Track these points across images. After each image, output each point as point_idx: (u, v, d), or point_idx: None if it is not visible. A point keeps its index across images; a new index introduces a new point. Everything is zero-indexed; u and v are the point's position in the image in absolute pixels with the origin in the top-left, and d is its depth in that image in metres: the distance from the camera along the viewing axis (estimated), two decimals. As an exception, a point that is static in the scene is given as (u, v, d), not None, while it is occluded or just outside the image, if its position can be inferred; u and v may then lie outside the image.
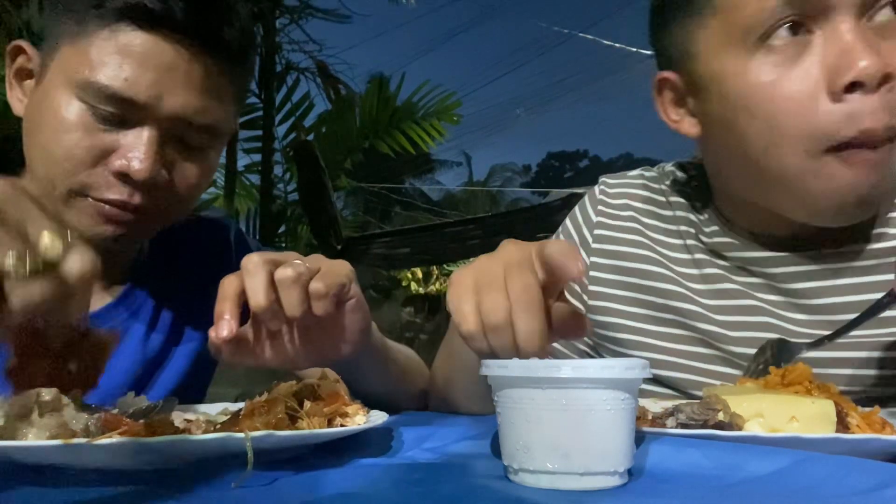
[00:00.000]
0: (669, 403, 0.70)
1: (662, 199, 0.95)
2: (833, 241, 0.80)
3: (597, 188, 1.00)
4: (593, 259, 0.94)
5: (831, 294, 0.80)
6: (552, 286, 0.60)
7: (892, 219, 0.80)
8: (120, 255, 0.91)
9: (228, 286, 0.64)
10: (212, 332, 0.62)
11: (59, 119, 0.77)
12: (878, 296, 0.73)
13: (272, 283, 0.63)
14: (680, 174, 0.96)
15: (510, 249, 0.61)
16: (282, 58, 6.88)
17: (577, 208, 1.01)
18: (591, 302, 0.93)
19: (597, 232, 0.95)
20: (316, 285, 0.65)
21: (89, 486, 0.48)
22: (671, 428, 0.62)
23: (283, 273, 0.63)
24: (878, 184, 0.71)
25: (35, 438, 0.49)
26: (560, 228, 1.01)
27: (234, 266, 0.75)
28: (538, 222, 6.64)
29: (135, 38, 0.76)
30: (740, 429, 0.59)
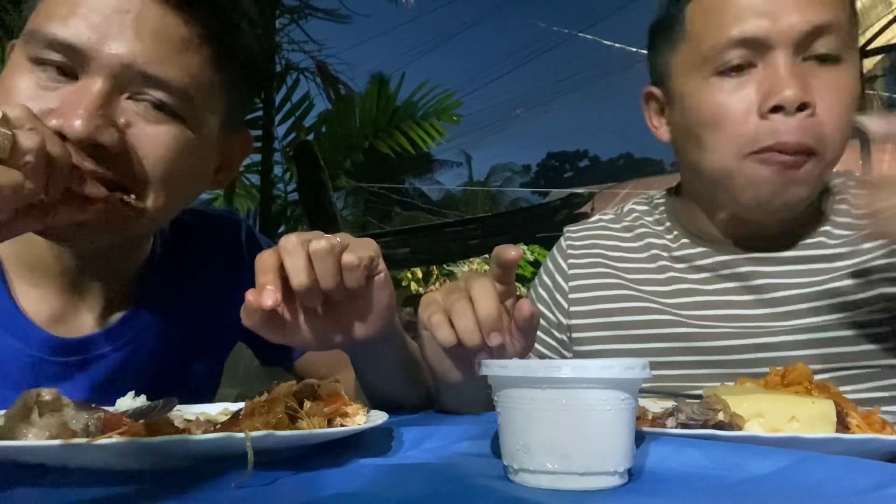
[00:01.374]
0: (669, 403, 0.70)
1: (627, 234, 1.08)
2: (789, 241, 0.94)
3: (562, 239, 1.14)
4: (571, 296, 1.06)
5: (791, 288, 0.91)
6: (506, 290, 0.70)
7: (835, 221, 0.95)
8: (126, 259, 0.87)
9: (267, 260, 0.65)
10: (250, 296, 0.63)
11: (13, 85, 0.71)
12: (834, 285, 0.89)
13: (311, 262, 0.64)
14: (641, 208, 1.10)
15: (469, 272, 0.74)
16: (282, 58, 6.88)
17: (548, 259, 1.14)
18: (573, 335, 1.05)
19: (571, 272, 1.08)
20: (348, 257, 0.66)
21: (89, 486, 0.48)
22: (671, 428, 0.62)
23: (318, 245, 0.65)
24: (791, 187, 0.86)
25: (35, 438, 0.49)
26: (535, 280, 1.15)
27: (247, 265, 0.75)
28: (538, 222, 6.65)
29: None
30: (740, 429, 0.60)
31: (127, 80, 0.71)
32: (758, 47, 0.85)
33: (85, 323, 0.84)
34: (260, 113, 6.70)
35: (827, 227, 0.93)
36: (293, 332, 0.69)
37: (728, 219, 0.96)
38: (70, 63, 0.70)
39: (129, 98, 0.72)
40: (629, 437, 0.48)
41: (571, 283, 1.07)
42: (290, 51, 7.08)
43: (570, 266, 1.08)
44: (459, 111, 7.82)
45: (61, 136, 0.66)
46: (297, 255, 0.64)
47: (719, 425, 0.60)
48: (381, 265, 0.72)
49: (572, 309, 1.05)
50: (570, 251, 1.10)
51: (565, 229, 1.15)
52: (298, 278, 0.64)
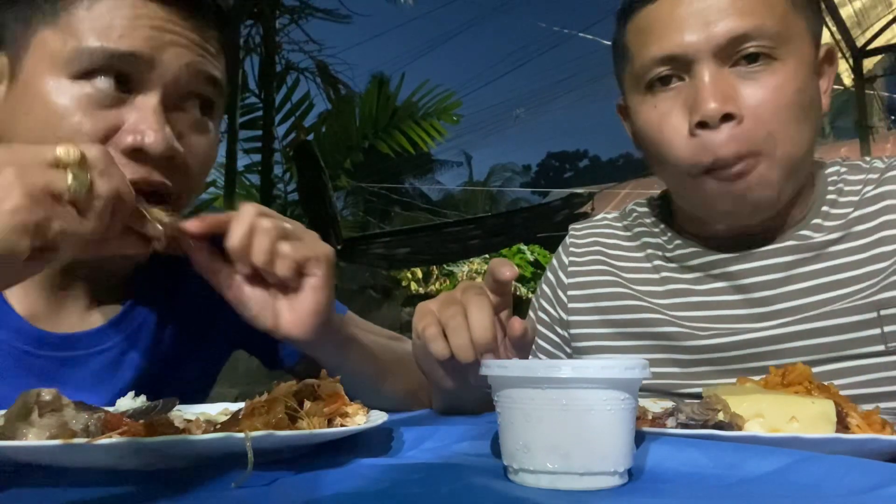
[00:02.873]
0: (669, 403, 0.70)
1: (627, 233, 1.09)
2: (780, 235, 0.92)
3: (567, 237, 1.15)
4: (570, 293, 1.08)
5: (782, 283, 0.90)
6: (502, 302, 0.73)
7: (825, 212, 0.92)
8: (122, 261, 0.87)
9: (227, 214, 0.71)
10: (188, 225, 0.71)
11: (50, 106, 0.71)
12: (821, 281, 0.88)
13: (251, 232, 0.70)
14: (642, 209, 1.10)
15: (465, 282, 0.76)
16: (282, 58, 6.87)
17: (554, 257, 1.16)
18: (571, 331, 1.06)
19: (570, 269, 1.10)
20: (284, 245, 0.71)
21: (89, 486, 0.48)
22: (671, 428, 0.62)
23: (262, 221, 0.71)
24: (748, 193, 0.85)
25: (35, 438, 0.49)
26: (542, 278, 1.17)
27: None
28: (538, 222, 6.64)
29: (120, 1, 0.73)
30: (740, 429, 0.59)
31: (176, 95, 0.76)
32: (681, 63, 0.85)
33: (76, 320, 0.84)
34: (260, 113, 6.71)
35: (817, 220, 0.91)
36: (228, 286, 0.75)
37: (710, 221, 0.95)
38: (127, 77, 0.73)
39: (177, 109, 0.77)
40: (629, 437, 0.48)
41: (571, 280, 1.08)
42: (290, 51, 7.08)
43: (571, 263, 1.10)
44: (459, 111, 7.82)
45: (139, 152, 0.72)
46: (243, 221, 0.70)
47: (719, 425, 0.60)
48: (321, 271, 0.74)
49: (571, 305, 1.06)
50: (572, 248, 1.12)
51: (570, 227, 1.16)
52: (231, 239, 0.70)
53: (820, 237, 0.90)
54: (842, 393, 0.68)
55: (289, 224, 0.73)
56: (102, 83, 0.72)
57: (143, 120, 0.72)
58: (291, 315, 0.75)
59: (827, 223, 0.91)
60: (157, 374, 0.88)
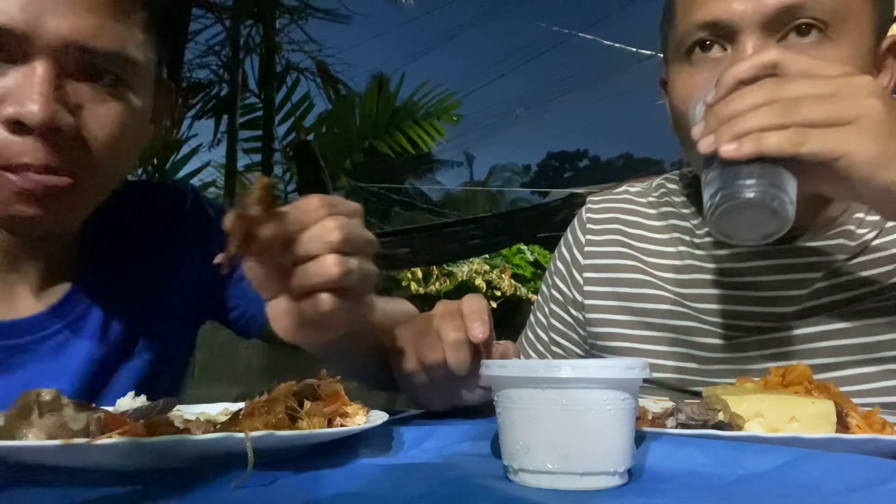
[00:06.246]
0: (669, 403, 0.70)
1: (651, 211, 1.02)
2: (816, 232, 0.87)
3: (583, 210, 1.08)
4: (586, 275, 1.02)
5: (809, 284, 0.84)
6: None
7: (858, 218, 0.86)
8: (59, 238, 0.81)
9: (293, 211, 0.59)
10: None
11: None
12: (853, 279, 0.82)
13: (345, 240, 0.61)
14: (672, 185, 1.02)
15: (441, 306, 0.74)
16: (282, 58, 6.89)
17: (568, 230, 1.09)
18: (587, 315, 1.01)
19: (587, 249, 1.03)
20: (366, 264, 0.65)
21: (89, 486, 0.48)
22: (671, 428, 0.62)
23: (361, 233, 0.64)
24: None
25: (35, 438, 0.49)
26: (556, 251, 1.10)
27: (191, 235, 0.70)
28: (538, 222, 6.64)
29: None
30: (740, 429, 0.60)
31: (72, 59, 0.68)
32: (725, 30, 0.79)
33: (22, 305, 0.80)
34: (260, 113, 6.72)
35: (859, 216, 0.85)
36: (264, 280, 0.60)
37: None
38: (5, 49, 0.66)
39: (75, 79, 0.69)
40: (629, 437, 0.48)
41: (587, 262, 1.02)
42: (290, 51, 7.10)
43: (588, 242, 1.04)
44: (459, 111, 7.84)
45: (19, 125, 0.65)
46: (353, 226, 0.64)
47: (719, 425, 0.60)
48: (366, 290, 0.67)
49: (587, 288, 1.01)
50: (588, 225, 1.05)
51: (588, 199, 1.09)
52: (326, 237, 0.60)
53: (856, 238, 0.85)
54: (870, 398, 0.67)
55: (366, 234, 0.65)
56: None
57: (23, 89, 0.65)
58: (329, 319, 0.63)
59: (864, 224, 0.85)
60: (108, 359, 0.83)
